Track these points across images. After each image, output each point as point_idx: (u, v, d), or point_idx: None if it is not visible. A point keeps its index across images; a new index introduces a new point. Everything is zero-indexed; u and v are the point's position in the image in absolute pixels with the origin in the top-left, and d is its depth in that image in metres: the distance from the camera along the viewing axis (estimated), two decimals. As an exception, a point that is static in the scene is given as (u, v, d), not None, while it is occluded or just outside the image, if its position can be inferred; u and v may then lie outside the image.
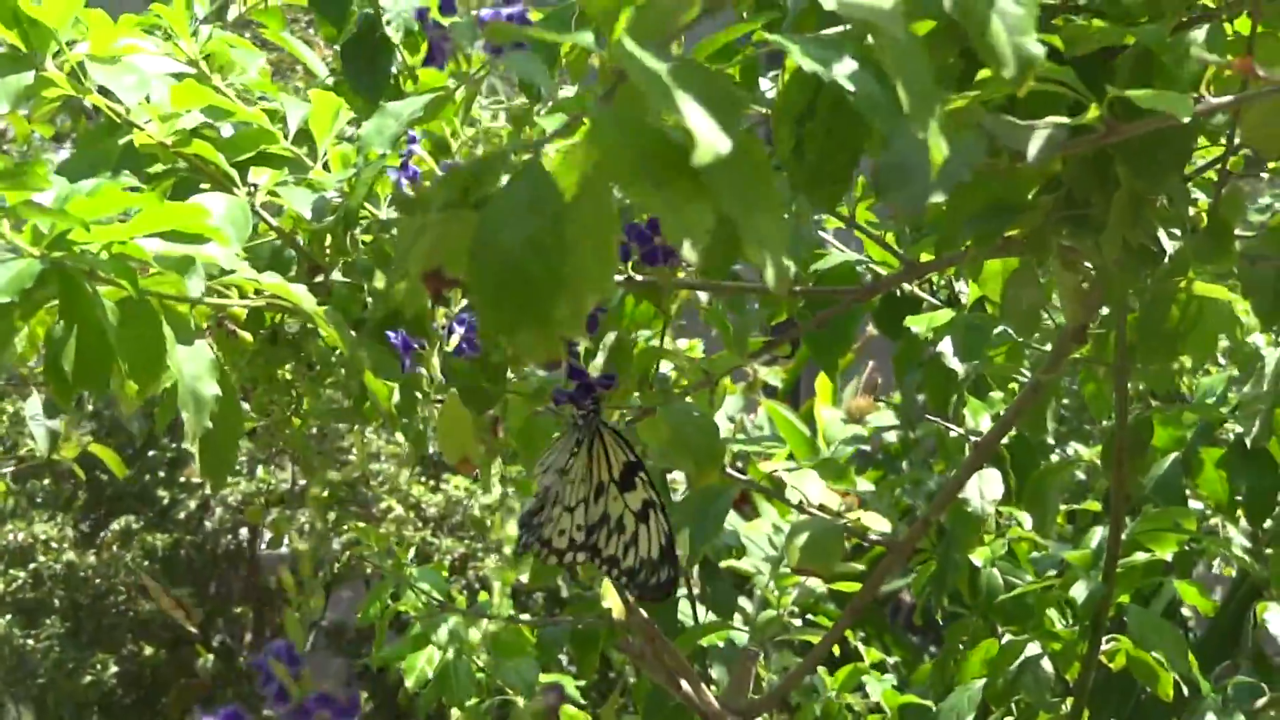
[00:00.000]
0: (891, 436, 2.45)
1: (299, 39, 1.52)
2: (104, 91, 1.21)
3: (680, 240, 0.61)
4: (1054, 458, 2.27)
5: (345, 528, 4.89)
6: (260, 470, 5.05)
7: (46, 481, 4.65)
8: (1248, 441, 1.74)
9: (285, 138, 1.26)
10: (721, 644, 2.17)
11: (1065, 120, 0.87)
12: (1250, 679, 2.02)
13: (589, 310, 0.66)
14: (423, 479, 5.26)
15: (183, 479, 5.06)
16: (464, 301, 1.06)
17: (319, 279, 1.12)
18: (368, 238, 1.20)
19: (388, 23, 1.57)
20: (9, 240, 0.90)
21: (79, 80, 1.19)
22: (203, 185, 1.21)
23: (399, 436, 1.60)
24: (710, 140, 0.59)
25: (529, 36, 0.72)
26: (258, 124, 1.23)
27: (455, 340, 1.00)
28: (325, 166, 1.25)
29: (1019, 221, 0.97)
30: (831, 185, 0.91)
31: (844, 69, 0.70)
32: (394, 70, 1.57)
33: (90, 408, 4.28)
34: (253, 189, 1.19)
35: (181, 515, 4.98)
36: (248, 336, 1.14)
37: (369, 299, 1.14)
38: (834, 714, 2.34)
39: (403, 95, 1.59)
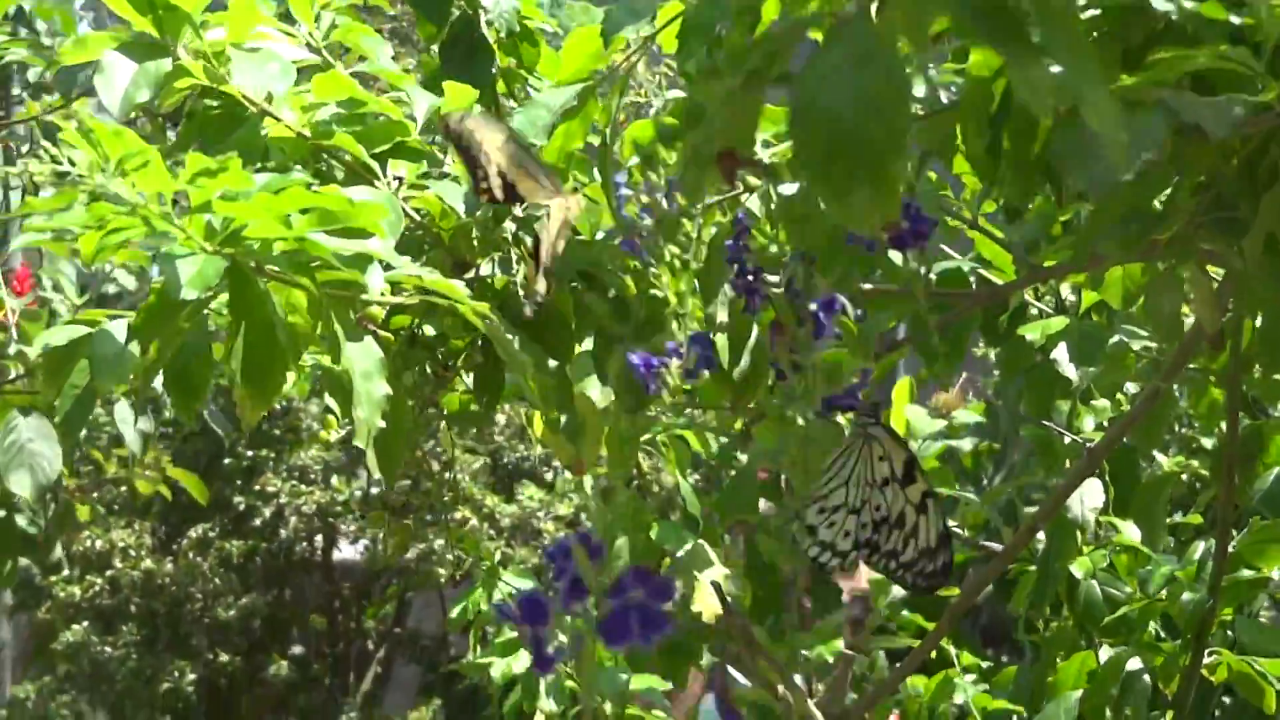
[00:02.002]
0: (966, 445, 2.43)
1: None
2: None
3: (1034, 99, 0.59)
4: (1155, 466, 2.23)
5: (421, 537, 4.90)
6: (335, 480, 5.06)
7: (124, 489, 4.67)
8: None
9: (410, 127, 1.23)
10: (831, 656, 2.15)
11: (1245, 98, 0.85)
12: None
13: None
14: (497, 490, 5.27)
15: (258, 487, 5.08)
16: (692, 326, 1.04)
17: (467, 275, 1.10)
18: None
19: (489, 23, 1.56)
20: (179, 233, 0.89)
21: (213, 68, 1.16)
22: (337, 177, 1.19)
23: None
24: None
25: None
26: (394, 116, 1.21)
27: (693, 359, 0.98)
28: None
29: (1164, 226, 0.95)
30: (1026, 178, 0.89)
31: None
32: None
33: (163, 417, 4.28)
34: (397, 182, 1.16)
35: (257, 522, 5.00)
36: (388, 336, 1.13)
37: (522, 294, 1.13)
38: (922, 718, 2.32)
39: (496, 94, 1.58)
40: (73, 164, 0.89)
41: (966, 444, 2.43)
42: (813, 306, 1.02)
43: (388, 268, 0.97)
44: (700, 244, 0.95)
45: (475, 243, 1.16)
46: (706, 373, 1.05)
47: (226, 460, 4.88)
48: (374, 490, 5.20)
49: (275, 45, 1.23)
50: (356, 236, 0.92)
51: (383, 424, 0.94)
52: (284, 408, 4.95)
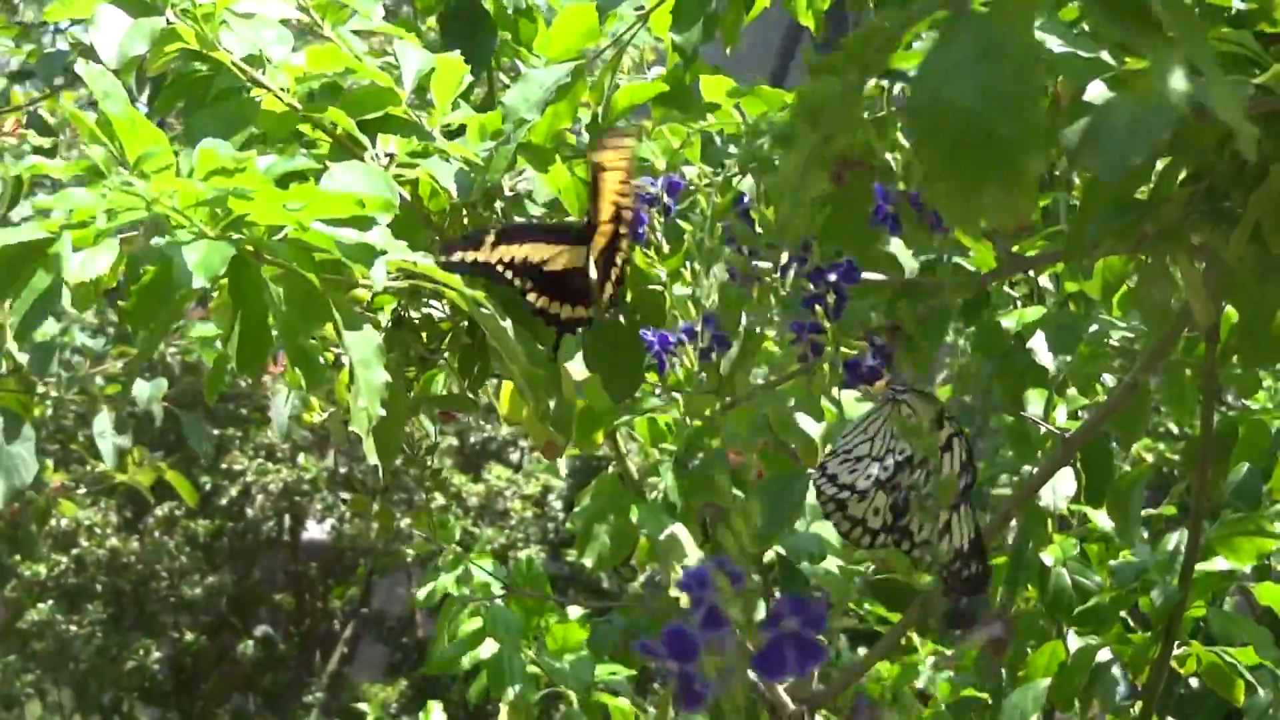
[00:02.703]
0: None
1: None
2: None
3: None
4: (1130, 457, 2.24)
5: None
6: (302, 458, 5.05)
7: (89, 468, 4.65)
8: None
9: (400, 95, 1.21)
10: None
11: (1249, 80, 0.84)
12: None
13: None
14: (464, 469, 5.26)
15: (224, 465, 5.06)
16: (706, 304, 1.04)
17: (456, 257, 1.08)
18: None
19: (494, -3, 1.55)
20: (184, 220, 0.88)
21: (203, 33, 1.14)
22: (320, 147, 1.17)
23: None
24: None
25: None
26: (383, 83, 1.19)
27: (707, 338, 0.97)
28: (446, 132, 1.21)
29: (1155, 216, 0.95)
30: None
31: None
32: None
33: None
34: (388, 159, 1.15)
35: (224, 501, 4.98)
36: (377, 320, 1.12)
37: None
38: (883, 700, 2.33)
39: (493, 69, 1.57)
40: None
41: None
42: (832, 277, 1.02)
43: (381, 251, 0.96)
44: (715, 222, 0.95)
45: (466, 224, 1.15)
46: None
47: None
48: (341, 469, 5.19)
49: (266, 5, 1.21)
50: (356, 224, 0.91)
51: (383, 412, 0.93)
52: (250, 386, 4.94)
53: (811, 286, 1.03)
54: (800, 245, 1.04)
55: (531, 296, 1.11)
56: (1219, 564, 1.92)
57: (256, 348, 0.94)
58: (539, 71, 1.11)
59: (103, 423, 2.50)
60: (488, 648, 2.50)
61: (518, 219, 1.19)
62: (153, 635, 5.02)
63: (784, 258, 1.04)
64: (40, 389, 2.38)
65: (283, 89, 1.15)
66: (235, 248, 0.89)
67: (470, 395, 1.20)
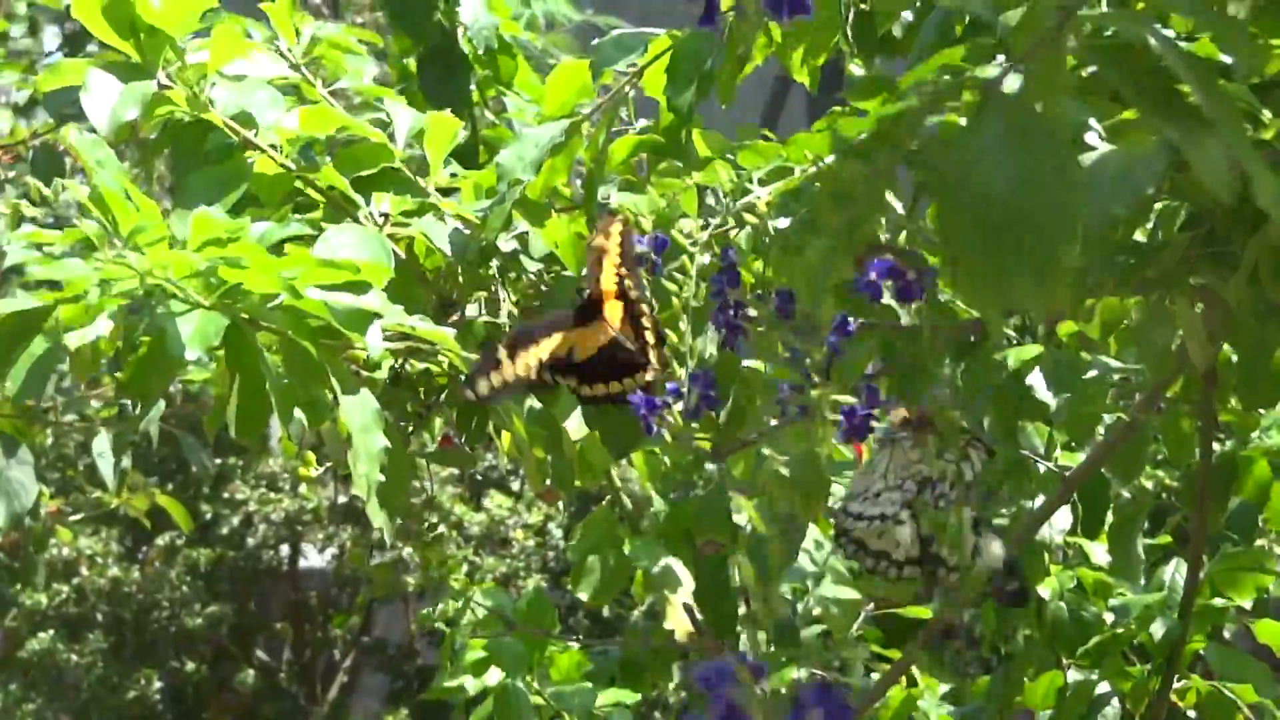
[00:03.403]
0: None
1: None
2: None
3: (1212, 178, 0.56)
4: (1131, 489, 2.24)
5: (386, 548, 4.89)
6: (304, 488, 5.05)
7: (91, 495, 4.65)
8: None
9: (395, 153, 1.22)
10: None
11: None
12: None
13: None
14: (466, 498, 5.26)
15: (226, 495, 5.06)
16: (692, 363, 1.05)
17: (454, 317, 1.09)
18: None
19: (469, 39, 1.56)
20: (177, 291, 0.89)
21: (195, 96, 1.15)
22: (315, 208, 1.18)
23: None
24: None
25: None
26: (376, 139, 1.20)
27: (694, 399, 0.98)
28: (439, 190, 1.22)
29: (1156, 260, 0.95)
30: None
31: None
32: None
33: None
34: (382, 218, 1.15)
35: (224, 531, 4.98)
36: (375, 379, 1.12)
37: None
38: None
39: (473, 109, 1.58)
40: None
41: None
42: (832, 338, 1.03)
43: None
44: (699, 281, 0.96)
45: (461, 281, 1.16)
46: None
47: (194, 468, 4.86)
48: (341, 499, 5.19)
49: (257, 66, 1.22)
50: (352, 288, 0.92)
51: (382, 477, 0.94)
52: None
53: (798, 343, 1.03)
54: (783, 297, 1.05)
55: (584, 390, 1.12)
56: (1218, 600, 1.93)
57: (255, 413, 0.94)
58: (533, 130, 1.12)
59: (102, 444, 2.50)
60: (493, 675, 2.51)
61: (511, 273, 1.20)
62: (153, 665, 5.01)
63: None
64: (40, 411, 2.38)
65: (273, 146, 1.16)
66: (230, 317, 0.90)
67: (468, 450, 1.21)
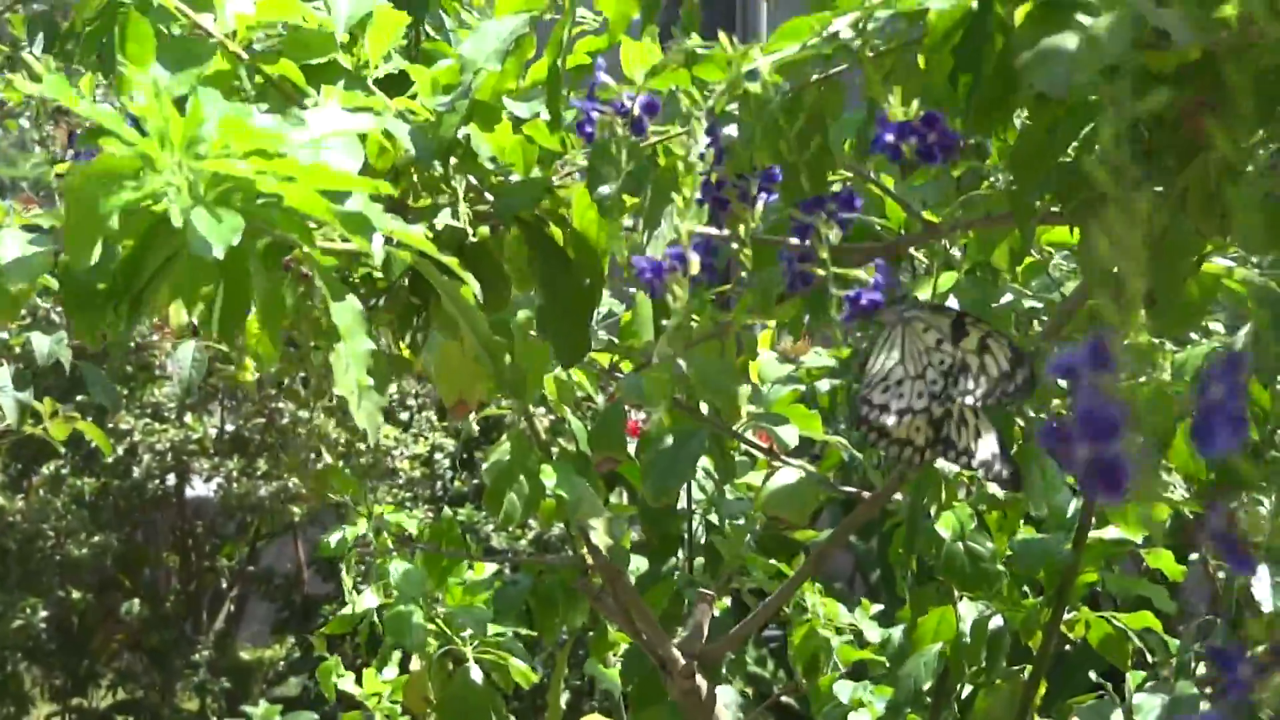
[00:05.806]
0: (824, 387, 2.47)
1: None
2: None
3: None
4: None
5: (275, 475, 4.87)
6: (189, 417, 5.00)
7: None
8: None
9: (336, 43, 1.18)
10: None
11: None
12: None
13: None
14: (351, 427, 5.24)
15: (110, 424, 5.00)
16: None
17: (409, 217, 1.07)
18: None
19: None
20: (182, 183, 0.86)
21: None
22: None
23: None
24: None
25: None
26: (326, 28, 1.16)
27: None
28: (379, 85, 1.19)
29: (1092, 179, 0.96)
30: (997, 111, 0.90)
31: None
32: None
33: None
34: None
35: (109, 460, 4.92)
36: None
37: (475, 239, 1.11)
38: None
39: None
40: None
41: (825, 385, 2.46)
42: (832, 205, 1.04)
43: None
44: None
45: (415, 181, 1.15)
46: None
47: (79, 397, 4.79)
48: (228, 428, 5.14)
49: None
50: (334, 196, 0.91)
51: (371, 380, 0.93)
52: (136, 344, 4.87)
53: (803, 215, 1.04)
54: (764, 176, 1.05)
55: None
56: (1111, 532, 1.97)
57: (237, 314, 0.94)
58: (493, 23, 1.11)
59: (3, 378, 2.47)
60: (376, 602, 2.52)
61: (470, 177, 1.18)
62: (39, 594, 4.95)
63: (754, 189, 1.05)
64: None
65: (228, 36, 1.13)
66: (246, 216, 0.88)
67: (408, 355, 1.20)
